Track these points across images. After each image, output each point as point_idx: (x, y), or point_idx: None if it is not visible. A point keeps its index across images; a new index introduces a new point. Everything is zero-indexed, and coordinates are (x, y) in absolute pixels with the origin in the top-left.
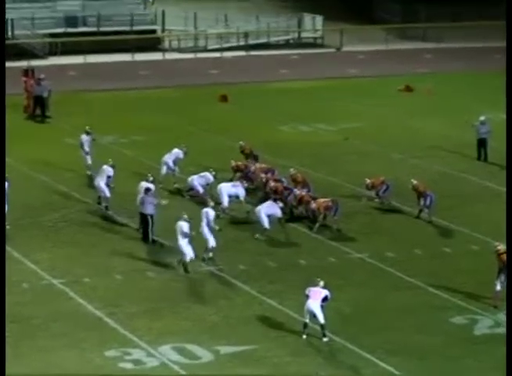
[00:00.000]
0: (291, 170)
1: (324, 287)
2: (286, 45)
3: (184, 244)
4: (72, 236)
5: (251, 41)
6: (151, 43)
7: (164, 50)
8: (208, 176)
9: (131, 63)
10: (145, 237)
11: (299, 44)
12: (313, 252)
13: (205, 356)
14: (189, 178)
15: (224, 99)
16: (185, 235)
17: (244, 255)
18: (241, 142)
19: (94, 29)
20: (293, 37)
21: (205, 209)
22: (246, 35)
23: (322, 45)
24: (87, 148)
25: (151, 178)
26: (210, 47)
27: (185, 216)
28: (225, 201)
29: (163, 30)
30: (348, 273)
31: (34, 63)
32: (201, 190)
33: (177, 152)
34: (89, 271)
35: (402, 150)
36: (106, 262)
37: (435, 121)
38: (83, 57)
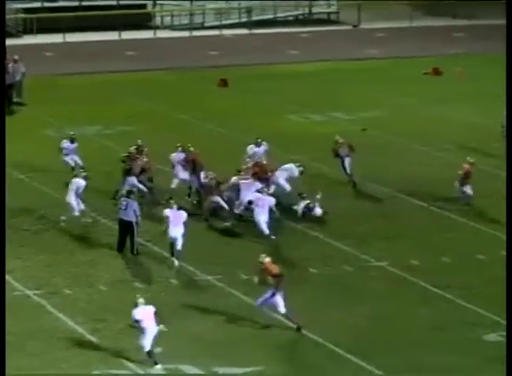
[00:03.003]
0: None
1: None
2: (296, 21)
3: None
4: (50, 241)
5: (255, 18)
6: (140, 20)
7: (154, 28)
8: (293, 169)
9: (118, 42)
10: (121, 248)
11: (310, 20)
12: (326, 259)
13: None
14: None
15: (223, 83)
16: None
17: (246, 263)
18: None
19: (75, 3)
20: (304, 13)
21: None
22: (249, 10)
23: (336, 22)
24: (69, 160)
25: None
26: (207, 24)
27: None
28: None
29: (154, 5)
30: (366, 284)
31: (7, 42)
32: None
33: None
34: (70, 281)
35: (428, 142)
36: (89, 272)
37: (466, 108)
38: (62, 36)
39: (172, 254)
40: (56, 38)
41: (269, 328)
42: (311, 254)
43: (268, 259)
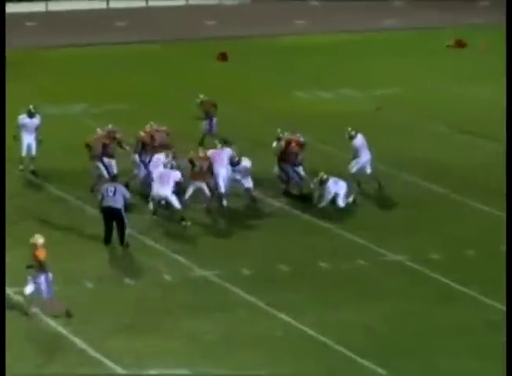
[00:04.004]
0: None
1: None
2: None
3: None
4: (30, 232)
5: None
6: None
7: None
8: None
9: (106, 11)
10: (108, 239)
11: None
12: (337, 253)
13: None
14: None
15: (223, 57)
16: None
17: (248, 256)
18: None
19: None
20: None
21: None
22: None
23: None
24: (29, 136)
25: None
26: None
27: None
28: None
29: None
30: (383, 280)
31: None
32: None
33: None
34: (54, 276)
35: (449, 123)
36: (74, 266)
37: (492, 85)
38: (44, 4)
39: (154, 213)
40: (39, 7)
41: (273, 329)
42: (322, 247)
43: (41, 240)
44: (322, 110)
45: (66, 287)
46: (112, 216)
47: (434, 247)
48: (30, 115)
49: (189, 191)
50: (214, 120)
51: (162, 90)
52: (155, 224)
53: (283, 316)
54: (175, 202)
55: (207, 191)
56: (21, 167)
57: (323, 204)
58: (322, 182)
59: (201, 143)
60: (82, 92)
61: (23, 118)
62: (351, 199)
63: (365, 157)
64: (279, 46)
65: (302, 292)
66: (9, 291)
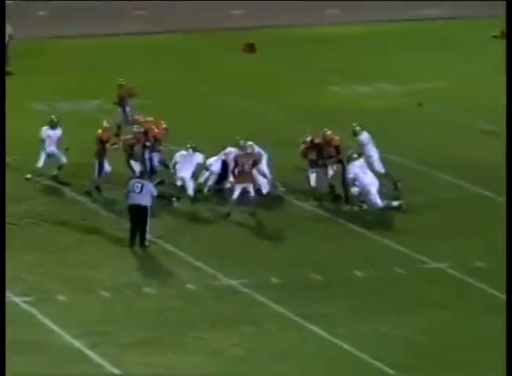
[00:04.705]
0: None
1: None
2: None
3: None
4: (41, 237)
5: None
6: None
7: None
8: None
9: None
10: (134, 242)
11: None
12: (373, 260)
13: None
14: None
15: (250, 48)
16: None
17: (277, 263)
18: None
19: None
20: None
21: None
22: None
23: None
24: (52, 147)
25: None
26: None
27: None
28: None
29: None
30: (422, 290)
31: None
32: None
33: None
34: (65, 285)
35: (495, 120)
36: (88, 274)
37: None
38: None
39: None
40: None
41: (305, 342)
42: (357, 253)
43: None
44: (358, 106)
45: (79, 297)
46: (137, 215)
47: (478, 254)
48: (53, 126)
49: (236, 192)
50: (127, 109)
51: (183, 84)
52: (177, 228)
53: (314, 328)
54: (190, 188)
55: (252, 192)
56: (28, 176)
57: (350, 187)
58: (349, 160)
59: (117, 134)
60: (96, 87)
61: (46, 130)
62: (396, 203)
63: (374, 154)
64: (311, 37)
65: (336, 302)
66: (17, 299)
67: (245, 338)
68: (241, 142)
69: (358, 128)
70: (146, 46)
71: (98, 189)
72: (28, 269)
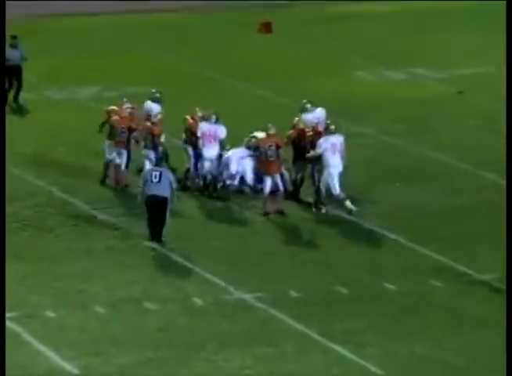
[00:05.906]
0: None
1: None
2: None
3: None
4: (28, 244)
5: None
6: None
7: None
8: None
9: None
10: (155, 235)
11: None
12: (407, 271)
13: None
14: None
15: (267, 28)
16: None
17: (298, 275)
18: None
19: None
20: None
21: None
22: None
23: None
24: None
25: None
26: None
27: None
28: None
29: None
30: (464, 305)
31: None
32: None
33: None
34: (55, 300)
35: None
36: (80, 287)
37: None
38: None
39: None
40: None
41: (328, 365)
42: (388, 264)
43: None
44: (389, 95)
45: (71, 313)
46: (156, 206)
47: None
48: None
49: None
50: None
51: (191, 68)
52: (183, 236)
53: (339, 348)
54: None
55: (280, 186)
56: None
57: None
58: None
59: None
60: (94, 72)
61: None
62: (351, 205)
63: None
64: (334, 15)
65: (363, 319)
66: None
67: (260, 360)
68: (308, 105)
69: (308, 105)
70: (149, 25)
71: (103, 180)
72: (12, 280)
